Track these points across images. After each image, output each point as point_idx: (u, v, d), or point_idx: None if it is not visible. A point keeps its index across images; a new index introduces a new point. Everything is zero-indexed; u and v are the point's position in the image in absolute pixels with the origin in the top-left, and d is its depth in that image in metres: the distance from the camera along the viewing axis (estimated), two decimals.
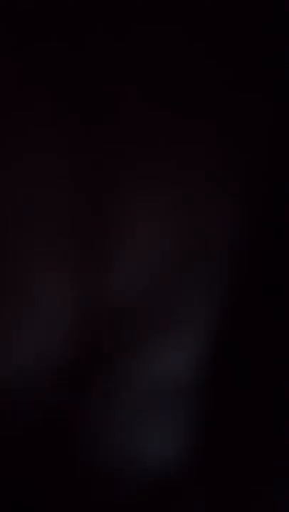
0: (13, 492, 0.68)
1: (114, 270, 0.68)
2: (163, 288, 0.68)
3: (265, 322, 0.70)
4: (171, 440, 0.70)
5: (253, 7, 0.68)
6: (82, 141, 0.67)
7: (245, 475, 0.70)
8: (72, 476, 0.69)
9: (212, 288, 0.69)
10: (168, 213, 0.68)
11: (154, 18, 0.67)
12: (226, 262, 0.69)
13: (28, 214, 0.67)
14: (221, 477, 0.70)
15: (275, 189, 0.69)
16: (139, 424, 0.69)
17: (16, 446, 0.68)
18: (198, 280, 0.69)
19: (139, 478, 0.69)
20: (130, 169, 0.67)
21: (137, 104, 0.67)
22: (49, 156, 0.67)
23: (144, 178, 0.68)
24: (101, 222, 0.68)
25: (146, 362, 0.69)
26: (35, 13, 0.66)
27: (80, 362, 0.68)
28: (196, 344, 0.69)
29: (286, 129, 0.69)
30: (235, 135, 0.68)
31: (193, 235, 0.68)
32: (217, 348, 0.70)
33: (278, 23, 0.68)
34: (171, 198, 0.68)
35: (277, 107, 0.68)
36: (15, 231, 0.67)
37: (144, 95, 0.67)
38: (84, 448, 0.69)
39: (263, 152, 0.69)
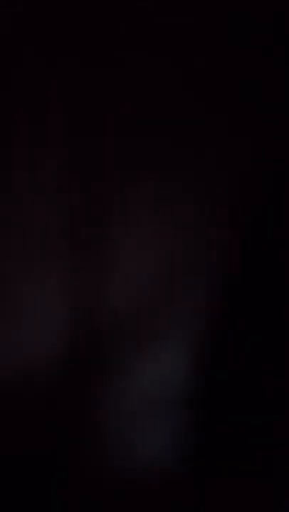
0: (13, 490, 0.69)
1: (114, 271, 0.68)
2: (161, 292, 0.68)
3: (262, 327, 0.70)
4: (169, 442, 0.70)
5: None
6: (81, 146, 0.67)
7: (243, 476, 0.70)
8: (72, 474, 0.70)
9: (210, 295, 0.69)
10: (164, 226, 0.67)
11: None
12: (221, 271, 0.69)
13: (27, 220, 0.67)
14: (219, 477, 0.70)
15: (267, 201, 0.69)
16: (138, 427, 0.70)
17: (16, 448, 0.69)
18: (194, 289, 0.69)
19: (138, 477, 0.70)
20: (130, 180, 0.67)
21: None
22: (48, 159, 0.66)
23: (141, 189, 0.67)
24: (100, 228, 0.67)
25: (146, 365, 0.69)
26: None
27: (78, 364, 0.68)
28: (194, 349, 0.69)
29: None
30: (222, 147, 0.68)
31: (189, 245, 0.68)
32: (216, 351, 0.70)
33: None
34: (166, 212, 0.67)
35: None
36: (12, 236, 0.67)
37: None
38: (84, 447, 0.70)
39: (251, 167, 0.68)
